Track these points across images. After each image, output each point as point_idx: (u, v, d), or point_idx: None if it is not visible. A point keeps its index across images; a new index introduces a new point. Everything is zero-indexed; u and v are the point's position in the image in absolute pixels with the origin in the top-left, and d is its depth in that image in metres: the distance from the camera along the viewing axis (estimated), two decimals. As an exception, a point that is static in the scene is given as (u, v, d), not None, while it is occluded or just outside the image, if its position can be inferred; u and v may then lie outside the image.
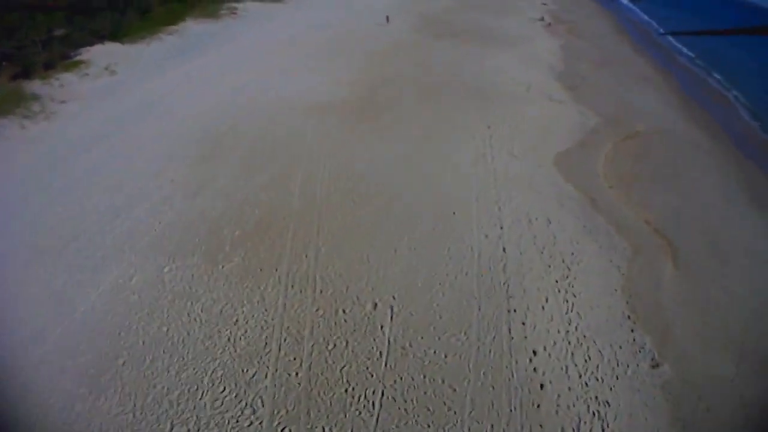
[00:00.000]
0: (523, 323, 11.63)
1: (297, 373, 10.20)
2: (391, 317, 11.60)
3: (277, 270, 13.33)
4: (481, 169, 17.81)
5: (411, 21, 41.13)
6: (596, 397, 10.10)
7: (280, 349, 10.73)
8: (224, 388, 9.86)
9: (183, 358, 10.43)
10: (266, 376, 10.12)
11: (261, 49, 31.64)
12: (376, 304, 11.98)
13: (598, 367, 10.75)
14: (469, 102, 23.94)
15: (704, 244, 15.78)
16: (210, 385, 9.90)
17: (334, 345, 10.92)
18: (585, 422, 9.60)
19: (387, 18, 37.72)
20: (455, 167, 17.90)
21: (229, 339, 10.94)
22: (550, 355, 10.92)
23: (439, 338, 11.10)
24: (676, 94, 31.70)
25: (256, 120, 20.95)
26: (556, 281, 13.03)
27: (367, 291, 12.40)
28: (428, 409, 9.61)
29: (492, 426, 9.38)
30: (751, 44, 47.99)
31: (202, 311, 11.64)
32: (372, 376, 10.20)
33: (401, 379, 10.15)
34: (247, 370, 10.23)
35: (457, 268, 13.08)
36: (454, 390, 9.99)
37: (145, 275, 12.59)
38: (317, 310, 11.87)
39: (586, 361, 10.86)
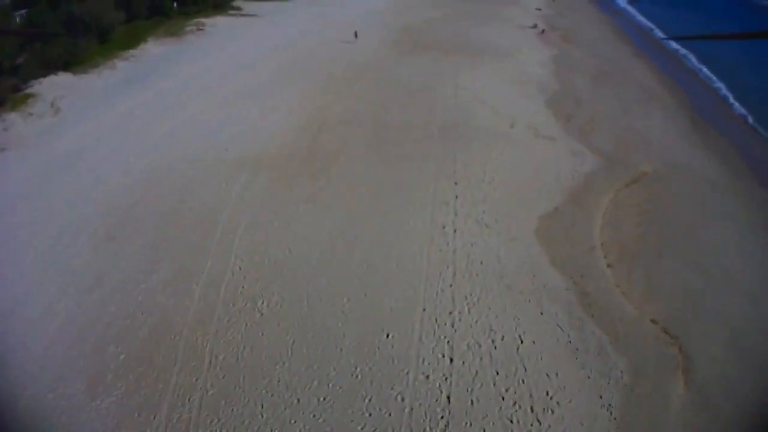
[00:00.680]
0: None
1: None
2: None
3: (155, 417, 9.64)
4: (436, 255, 13.70)
5: (385, 35, 37.18)
6: None
7: None
8: None
9: None
10: None
11: (215, 75, 28.12)
12: None
13: None
14: (435, 145, 19.87)
15: (728, 348, 11.67)
16: None
17: None
18: None
19: (355, 34, 33.78)
20: (402, 254, 13.76)
21: None
22: None
23: None
24: (685, 114, 27.41)
25: (174, 185, 17.09)
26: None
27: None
28: None
29: None
30: (764, 49, 43.42)
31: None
32: None
33: None
34: None
35: (376, 434, 9.09)
36: None
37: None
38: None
39: None
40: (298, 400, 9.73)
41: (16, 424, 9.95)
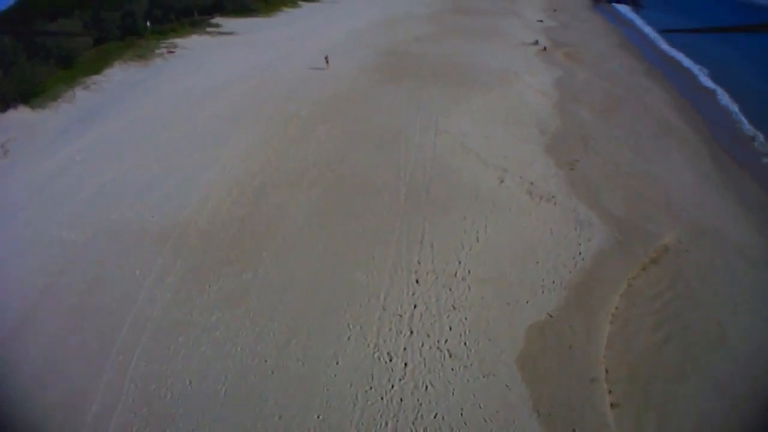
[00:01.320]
0: None
1: None
2: None
3: None
4: (373, 406, 9.79)
5: (365, 59, 33.44)
6: None
7: None
8: None
9: None
10: None
11: (167, 111, 24.81)
12: None
13: None
14: (400, 218, 15.99)
15: None
16: None
17: None
18: None
19: (326, 59, 29.92)
20: (328, 403, 9.87)
21: None
22: None
23: None
24: (707, 151, 23.43)
25: (87, 269, 13.53)
26: None
27: None
28: None
29: None
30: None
31: None
32: None
33: None
34: None
35: None
36: None
37: None
38: None
39: None
40: None
41: None
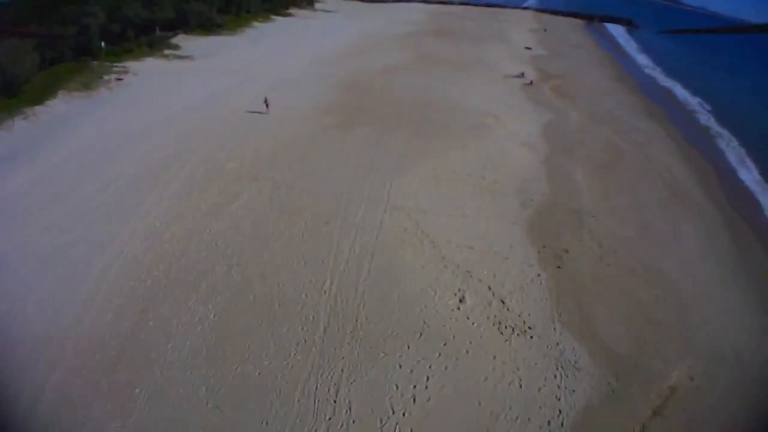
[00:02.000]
0: None
1: None
2: None
3: None
4: None
5: (320, 97, 28.62)
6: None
7: None
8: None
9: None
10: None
11: (87, 158, 19.68)
12: None
13: None
14: (311, 364, 11.02)
15: None
16: None
17: None
18: None
19: (266, 102, 25.04)
20: None
21: None
22: None
23: None
24: (723, 221, 19.50)
25: None
26: None
27: None
28: None
29: None
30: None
31: None
32: None
33: None
34: None
35: None
36: None
37: None
38: None
39: None
40: None
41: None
